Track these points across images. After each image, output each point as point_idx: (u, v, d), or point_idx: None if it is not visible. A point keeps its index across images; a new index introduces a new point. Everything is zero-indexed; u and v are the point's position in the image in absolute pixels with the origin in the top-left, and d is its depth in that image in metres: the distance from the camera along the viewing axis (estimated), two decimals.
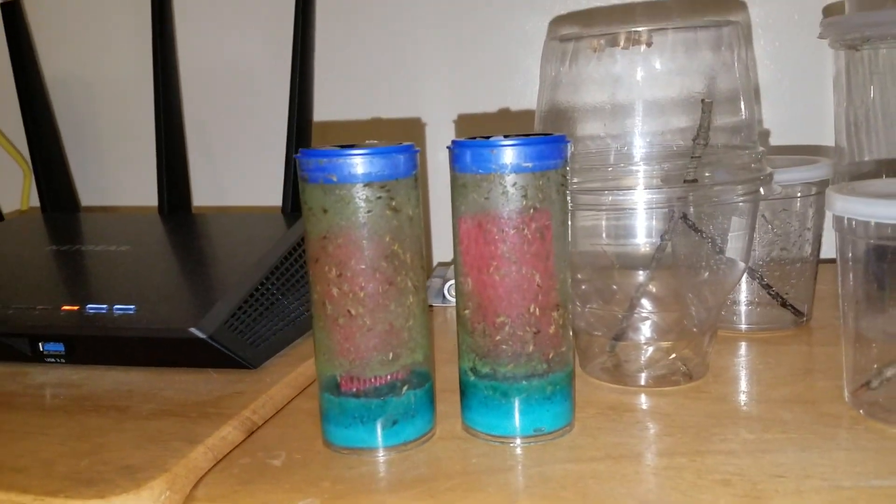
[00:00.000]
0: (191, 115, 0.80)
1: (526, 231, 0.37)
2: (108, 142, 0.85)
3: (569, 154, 0.38)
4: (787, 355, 0.49)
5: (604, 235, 0.46)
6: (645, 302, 0.46)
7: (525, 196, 0.37)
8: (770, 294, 0.53)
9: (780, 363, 0.48)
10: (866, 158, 0.51)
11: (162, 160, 0.73)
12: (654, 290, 0.46)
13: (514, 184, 0.36)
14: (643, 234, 0.45)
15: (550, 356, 0.38)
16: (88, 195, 0.86)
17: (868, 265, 0.39)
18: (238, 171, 0.82)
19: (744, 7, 0.66)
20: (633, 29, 0.42)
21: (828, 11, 0.64)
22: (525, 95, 0.73)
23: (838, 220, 0.38)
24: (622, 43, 0.42)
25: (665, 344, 0.46)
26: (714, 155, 0.42)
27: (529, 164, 0.36)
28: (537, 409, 0.38)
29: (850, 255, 0.39)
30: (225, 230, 0.65)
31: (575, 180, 0.44)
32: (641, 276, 0.46)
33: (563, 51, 0.44)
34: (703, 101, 0.40)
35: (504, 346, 0.38)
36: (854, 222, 0.38)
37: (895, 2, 0.47)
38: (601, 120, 0.44)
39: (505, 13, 0.72)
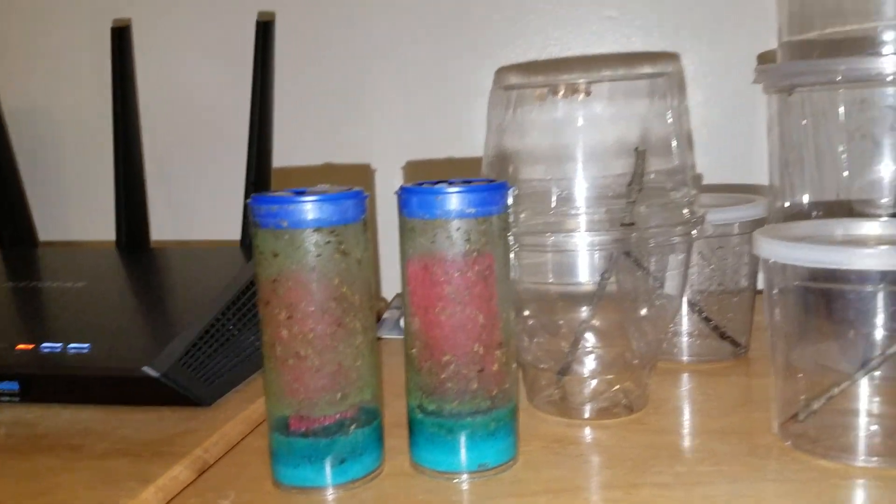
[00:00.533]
0: (151, 149, 0.81)
1: (470, 273, 0.39)
2: (67, 176, 0.85)
3: (510, 199, 0.40)
4: (724, 386, 0.51)
5: (550, 273, 0.48)
6: (589, 336, 0.48)
7: (468, 240, 0.38)
8: (709, 326, 0.55)
9: (717, 395, 0.50)
10: (798, 198, 0.54)
11: (120, 194, 0.73)
12: (597, 324, 0.48)
13: (458, 228, 0.38)
14: (586, 272, 0.47)
15: (494, 393, 0.40)
16: (47, 230, 0.86)
17: (792, 302, 0.41)
18: (198, 205, 0.83)
19: (676, 58, 0.69)
20: (574, 79, 0.45)
21: (762, 59, 0.68)
22: (472, 142, 0.76)
23: (763, 261, 0.41)
24: (563, 92, 0.45)
25: (608, 377, 0.48)
26: (650, 198, 0.45)
27: (472, 210, 0.38)
28: (481, 445, 0.40)
29: (776, 292, 0.42)
30: (182, 265, 0.66)
31: (521, 220, 0.46)
32: (585, 311, 0.48)
33: (509, 99, 0.46)
34: (636, 149, 0.43)
35: (449, 384, 0.39)
36: (777, 263, 0.40)
37: (822, 52, 0.51)
38: (544, 164, 0.46)
39: (453, 63, 0.75)
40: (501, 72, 0.72)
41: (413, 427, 0.41)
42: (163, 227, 0.83)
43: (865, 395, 0.42)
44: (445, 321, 0.39)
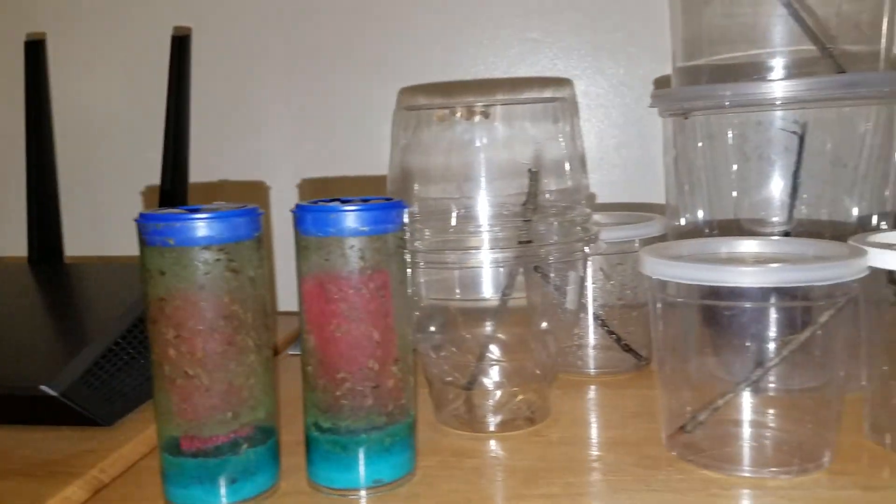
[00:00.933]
0: (68, 162, 0.79)
1: (364, 291, 0.39)
2: None
3: (405, 217, 0.41)
4: (623, 398, 0.52)
5: (454, 289, 0.49)
6: (494, 349, 0.49)
7: (363, 258, 0.39)
8: (613, 339, 0.57)
9: (616, 406, 0.51)
10: (694, 217, 0.56)
11: (32, 208, 0.72)
12: (502, 338, 0.49)
13: (352, 246, 0.39)
14: (490, 288, 0.48)
15: (390, 409, 0.40)
16: None
17: (675, 318, 0.43)
18: (116, 218, 0.82)
19: (570, 83, 0.72)
20: (473, 102, 0.46)
21: (658, 84, 0.71)
22: (371, 159, 0.77)
23: (647, 277, 0.42)
24: (463, 114, 0.46)
25: (512, 389, 0.49)
26: (547, 217, 0.46)
27: (366, 228, 0.39)
28: (377, 461, 0.40)
29: (659, 307, 0.43)
30: (92, 280, 0.64)
31: (424, 238, 0.46)
32: (489, 326, 0.49)
33: (411, 119, 0.47)
34: (529, 170, 0.44)
35: (344, 401, 0.40)
36: (657, 280, 0.42)
37: (710, 77, 0.53)
38: (446, 184, 0.47)
39: (354, 83, 0.76)
40: (404, 92, 0.73)
41: (309, 445, 0.41)
42: (81, 241, 0.82)
43: (748, 406, 0.43)
44: (340, 338, 0.39)
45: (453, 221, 0.46)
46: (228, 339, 0.38)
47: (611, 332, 0.57)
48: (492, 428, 0.48)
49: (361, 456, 0.40)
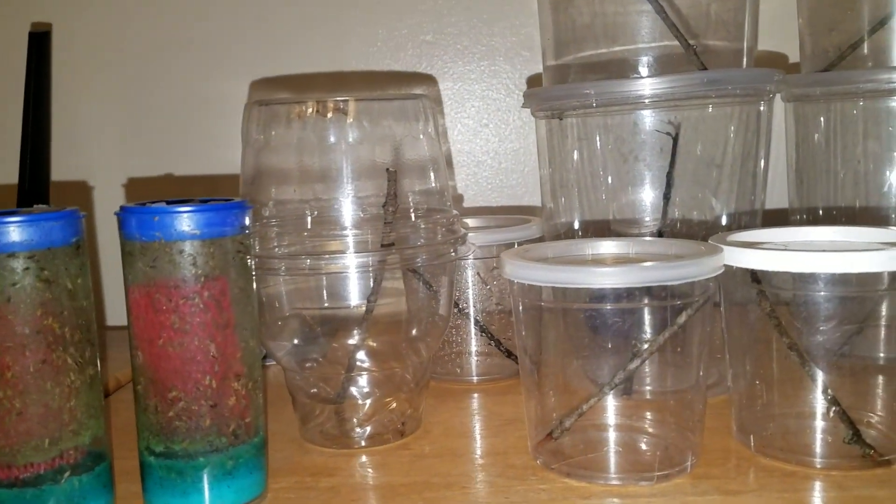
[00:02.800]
0: None
1: (198, 300, 0.36)
2: None
3: (247, 219, 0.38)
4: (502, 405, 0.51)
5: (317, 297, 0.46)
6: (363, 358, 0.46)
7: (195, 264, 0.35)
8: (493, 345, 0.55)
9: (492, 414, 0.50)
10: (570, 219, 0.55)
11: None
12: (372, 345, 0.47)
13: (182, 252, 0.35)
14: (355, 294, 0.45)
15: (231, 429, 0.37)
16: None
17: (536, 320, 0.41)
18: None
19: (434, 81, 0.70)
20: (331, 98, 0.43)
21: (531, 82, 0.71)
22: (216, 159, 0.73)
23: (508, 281, 0.41)
24: (320, 111, 0.43)
25: (383, 399, 0.47)
26: (409, 219, 0.44)
27: (197, 231, 0.35)
28: (218, 486, 0.37)
29: (521, 310, 0.42)
30: None
31: (277, 242, 0.43)
32: (357, 334, 0.46)
33: (264, 116, 0.44)
34: (388, 170, 0.42)
35: (178, 423, 0.36)
36: (516, 283, 0.40)
37: (577, 75, 0.52)
38: (302, 184, 0.44)
39: (200, 77, 0.72)
40: (255, 86, 0.69)
41: (143, 470, 0.37)
42: None
43: (613, 411, 0.42)
44: (172, 353, 0.36)
45: (309, 224, 0.43)
46: (42, 357, 0.34)
47: (491, 338, 0.55)
48: (361, 443, 0.46)
49: (201, 481, 0.36)
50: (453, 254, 0.44)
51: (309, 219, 0.43)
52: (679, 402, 0.42)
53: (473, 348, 0.57)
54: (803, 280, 0.40)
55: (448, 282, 0.47)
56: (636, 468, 0.40)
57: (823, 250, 0.38)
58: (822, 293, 0.39)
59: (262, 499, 0.39)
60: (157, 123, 0.73)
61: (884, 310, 0.42)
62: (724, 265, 0.40)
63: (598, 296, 0.39)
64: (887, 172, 0.54)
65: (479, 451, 0.44)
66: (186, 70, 0.72)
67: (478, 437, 0.46)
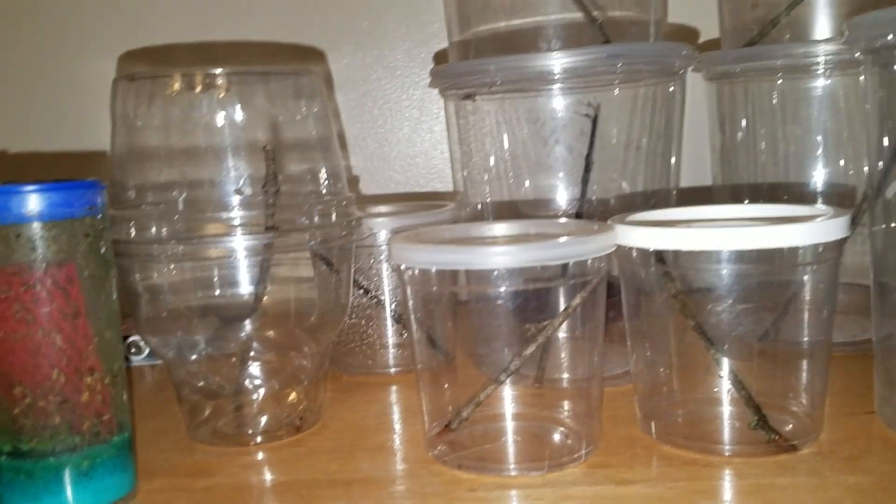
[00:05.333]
0: None
1: (40, 287, 0.33)
2: None
3: (100, 200, 0.35)
4: (414, 398, 0.48)
5: (202, 284, 0.43)
6: (257, 348, 0.44)
7: (35, 249, 0.33)
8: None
9: (401, 407, 0.47)
10: (482, 202, 0.53)
11: None
12: (266, 335, 0.44)
13: (19, 235, 0.32)
14: (243, 281, 0.43)
15: (85, 426, 0.34)
16: None
17: (428, 306, 0.39)
18: None
19: (323, 57, 0.67)
20: (210, 71, 0.40)
21: (438, 58, 0.67)
22: (83, 135, 0.69)
23: (396, 266, 0.38)
24: (197, 85, 0.40)
25: (280, 392, 0.44)
26: (296, 201, 0.41)
27: (37, 213, 0.33)
28: (74, 488, 0.34)
29: (409, 295, 0.39)
30: None
31: (161, 229, 0.41)
32: (248, 324, 0.43)
33: (135, 91, 0.41)
34: (265, 148, 0.39)
35: (24, 421, 0.33)
36: (402, 266, 0.38)
37: (477, 52, 0.50)
38: (178, 165, 0.41)
39: (61, 51, 0.69)
40: (124, 59, 0.66)
41: None
42: None
43: (510, 400, 0.40)
44: (15, 346, 0.33)
45: (181, 207, 0.40)
46: None
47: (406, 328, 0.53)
48: (255, 440, 0.43)
49: (53, 482, 0.34)
50: (344, 236, 0.42)
51: (181, 202, 0.40)
52: (576, 390, 0.40)
53: (390, 340, 0.54)
54: (706, 259, 0.38)
55: (346, 268, 0.45)
56: (529, 458, 0.38)
57: (723, 227, 0.36)
58: (725, 271, 0.37)
59: (128, 501, 0.36)
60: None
61: (796, 291, 0.40)
62: (622, 245, 0.38)
63: (487, 278, 0.37)
64: (808, 151, 0.52)
65: (374, 447, 0.41)
66: (40, 44, 0.69)
67: (378, 431, 0.43)
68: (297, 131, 0.41)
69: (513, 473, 0.36)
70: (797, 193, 0.52)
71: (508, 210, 0.52)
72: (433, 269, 0.37)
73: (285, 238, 0.41)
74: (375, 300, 0.53)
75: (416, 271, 0.38)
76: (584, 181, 0.51)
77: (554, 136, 0.53)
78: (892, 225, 0.38)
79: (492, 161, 0.52)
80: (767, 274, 0.37)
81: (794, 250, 0.36)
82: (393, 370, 0.54)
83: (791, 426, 0.38)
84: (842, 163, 0.51)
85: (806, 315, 0.38)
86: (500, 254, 0.35)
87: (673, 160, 0.50)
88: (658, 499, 0.33)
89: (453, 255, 0.35)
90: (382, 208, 0.56)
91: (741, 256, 0.36)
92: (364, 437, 0.43)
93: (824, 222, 0.35)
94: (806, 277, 0.37)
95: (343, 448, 0.41)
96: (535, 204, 0.52)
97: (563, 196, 0.52)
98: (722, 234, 0.36)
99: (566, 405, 0.40)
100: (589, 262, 0.37)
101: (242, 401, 0.43)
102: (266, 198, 0.40)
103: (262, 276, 0.42)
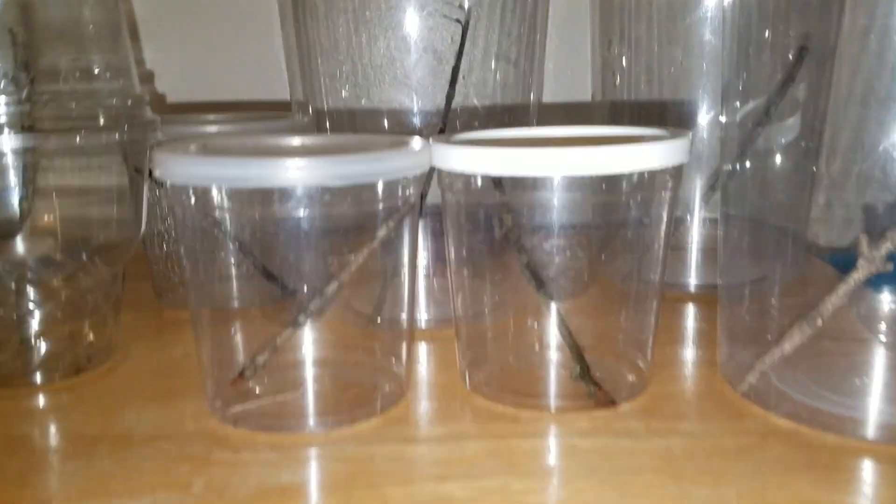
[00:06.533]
0: None
1: None
2: None
3: None
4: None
5: None
6: (32, 271, 0.38)
7: None
8: (253, 265, 0.47)
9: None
10: (325, 116, 0.46)
11: None
12: (51, 256, 0.38)
13: None
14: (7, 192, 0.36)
15: None
16: None
17: (203, 232, 0.33)
18: None
19: None
20: None
21: None
22: None
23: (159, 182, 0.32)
24: None
25: (60, 326, 0.38)
26: (61, 96, 0.34)
27: None
28: None
29: (178, 218, 0.33)
30: None
31: None
32: (16, 242, 0.37)
33: None
34: (10, 31, 0.32)
35: None
36: (167, 182, 0.31)
37: None
38: None
39: None
40: None
41: None
42: None
43: (311, 346, 0.35)
44: None
45: None
46: None
47: (250, 256, 0.47)
48: (34, 380, 0.37)
49: None
50: (116, 138, 0.35)
51: None
52: (372, 334, 0.35)
53: (233, 271, 0.49)
54: (533, 185, 0.32)
55: (141, 179, 0.39)
56: (319, 412, 0.33)
57: (537, 149, 0.30)
58: (539, 197, 0.31)
59: None
60: None
61: (620, 226, 0.34)
62: (446, 169, 0.32)
63: (278, 197, 0.30)
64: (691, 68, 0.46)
65: (158, 395, 0.36)
66: None
67: (173, 375, 0.38)
68: (65, 12, 0.34)
69: (293, 430, 0.32)
70: (678, 113, 0.46)
71: (361, 125, 0.45)
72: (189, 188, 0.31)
73: (45, 140, 0.34)
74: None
75: (185, 189, 0.31)
76: (449, 97, 0.45)
77: (423, 43, 0.46)
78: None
79: (344, 68, 0.46)
80: (592, 204, 0.32)
81: (616, 178, 0.31)
82: (236, 304, 0.48)
83: (617, 379, 0.34)
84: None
85: (631, 253, 0.33)
86: (260, 167, 0.29)
87: (535, 73, 0.44)
88: (437, 461, 0.29)
89: (207, 167, 0.29)
90: (211, 117, 0.49)
91: (554, 183, 0.31)
92: (154, 382, 0.37)
93: (647, 146, 0.30)
94: (631, 208, 0.32)
95: (125, 395, 0.36)
96: (393, 116, 0.46)
97: (423, 110, 0.46)
98: (521, 156, 0.30)
99: (369, 352, 0.35)
100: (400, 188, 0.32)
101: (7, 335, 0.38)
102: (17, 91, 0.33)
103: (25, 184, 0.36)
